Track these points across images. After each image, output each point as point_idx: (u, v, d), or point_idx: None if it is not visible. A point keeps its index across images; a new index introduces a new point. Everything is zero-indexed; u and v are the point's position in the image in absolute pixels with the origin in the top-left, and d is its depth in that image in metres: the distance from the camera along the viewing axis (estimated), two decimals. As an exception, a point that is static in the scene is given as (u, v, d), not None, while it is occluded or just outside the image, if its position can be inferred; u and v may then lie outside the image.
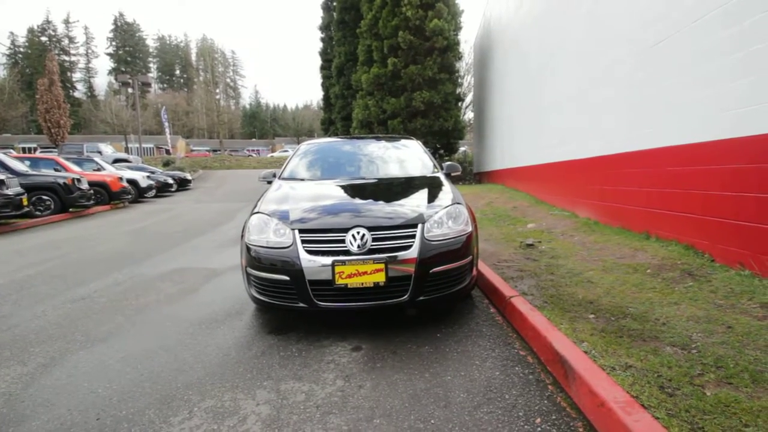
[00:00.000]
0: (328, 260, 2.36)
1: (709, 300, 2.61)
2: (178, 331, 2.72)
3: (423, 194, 2.92)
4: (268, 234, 2.59)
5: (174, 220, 9.11)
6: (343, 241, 2.41)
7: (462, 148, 23.27)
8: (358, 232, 2.42)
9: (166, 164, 22.57)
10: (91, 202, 10.25)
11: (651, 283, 3.01)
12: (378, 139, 4.59)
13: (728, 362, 1.82)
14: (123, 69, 58.59)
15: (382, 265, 2.34)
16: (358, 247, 2.38)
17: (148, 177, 14.24)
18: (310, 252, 2.40)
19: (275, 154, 46.48)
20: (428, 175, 3.59)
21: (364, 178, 3.53)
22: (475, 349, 2.28)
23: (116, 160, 19.14)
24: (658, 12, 4.08)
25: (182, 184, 18.09)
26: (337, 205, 2.76)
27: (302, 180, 3.54)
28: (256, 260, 2.53)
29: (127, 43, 64.00)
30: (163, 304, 3.32)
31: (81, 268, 4.64)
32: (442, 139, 14.83)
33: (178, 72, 67.38)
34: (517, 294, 2.75)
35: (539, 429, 1.56)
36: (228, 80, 63.82)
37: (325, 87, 20.84)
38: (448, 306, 2.94)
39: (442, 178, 3.46)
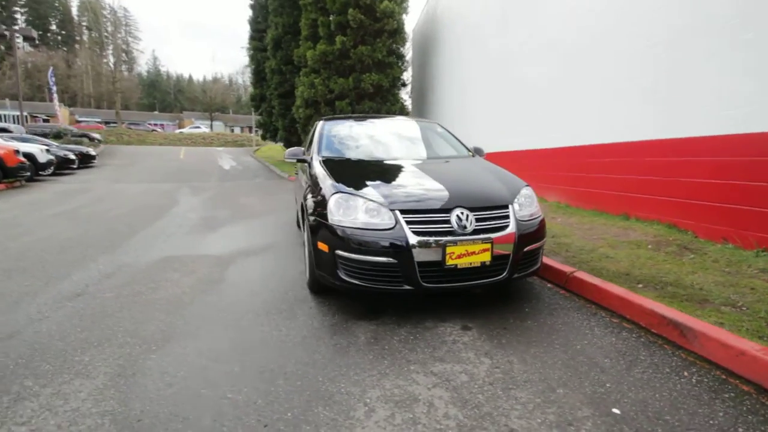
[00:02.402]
0: (437, 241, 2.33)
1: (717, 268, 3.17)
2: (247, 323, 2.46)
3: (490, 175, 3.01)
4: (357, 214, 2.45)
5: (103, 202, 7.86)
6: (447, 222, 2.40)
7: None
8: (462, 213, 2.42)
9: (58, 136, 18.97)
10: (-18, 179, 8.31)
11: (660, 257, 3.53)
12: (386, 117, 4.51)
13: None
14: (-25, 16, 46.85)
15: (489, 245, 2.39)
16: (463, 227, 2.39)
17: (48, 151, 11.89)
18: (417, 233, 2.34)
19: (185, 130, 41.98)
20: (470, 155, 3.68)
21: (418, 158, 3.51)
22: (571, 320, 2.47)
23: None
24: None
25: (85, 161, 15.49)
26: (426, 184, 2.70)
27: (350, 160, 3.36)
28: (349, 242, 2.38)
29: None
30: (197, 295, 2.94)
31: (39, 260, 3.82)
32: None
33: (54, 27, 56.17)
34: (576, 269, 3.03)
35: (693, 380, 1.80)
36: (120, 42, 55.24)
37: (256, 60, 19.29)
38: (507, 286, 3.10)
39: (483, 159, 3.58)
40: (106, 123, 44.13)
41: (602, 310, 2.61)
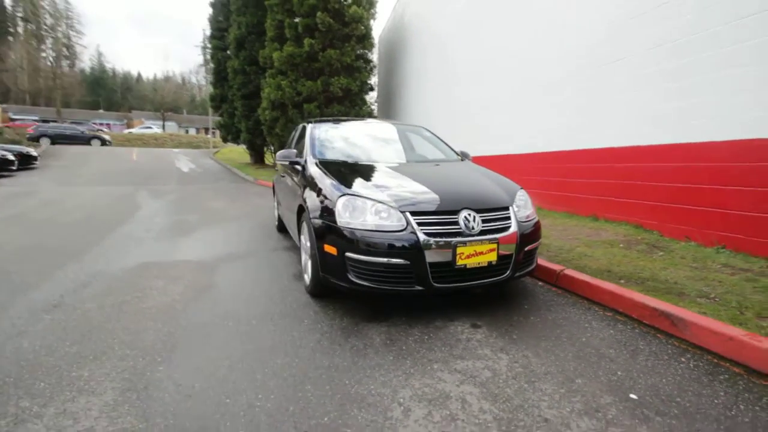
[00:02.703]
0: (448, 242, 2.38)
1: (685, 264, 3.47)
2: (253, 329, 2.38)
3: (486, 178, 3.12)
4: (366, 216, 2.46)
5: (54, 206, 7.27)
6: (456, 223, 2.46)
7: None
8: (470, 214, 2.50)
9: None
10: None
11: (633, 255, 3.81)
12: (373, 121, 4.55)
13: (746, 302, 2.53)
14: None
15: (495, 245, 2.48)
16: (471, 228, 2.46)
17: (-18, 151, 10.78)
18: (428, 234, 2.39)
19: (134, 131, 39.54)
20: (459, 159, 3.78)
21: (413, 160, 3.57)
22: (569, 315, 2.61)
23: None
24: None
25: (25, 162, 14.17)
26: (428, 187, 2.75)
27: (346, 162, 3.34)
28: (360, 244, 2.38)
29: None
30: (189, 303, 2.80)
31: None
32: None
33: (-19, 15, 50.97)
34: (565, 268, 3.20)
35: (691, 365, 1.97)
36: (60, 35, 51.19)
37: (217, 59, 18.57)
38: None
39: (471, 162, 3.70)
40: (45, 121, 40.68)
41: (594, 305, 2.78)
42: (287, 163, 3.67)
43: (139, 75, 68.54)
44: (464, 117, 8.97)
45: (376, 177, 2.95)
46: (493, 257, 2.48)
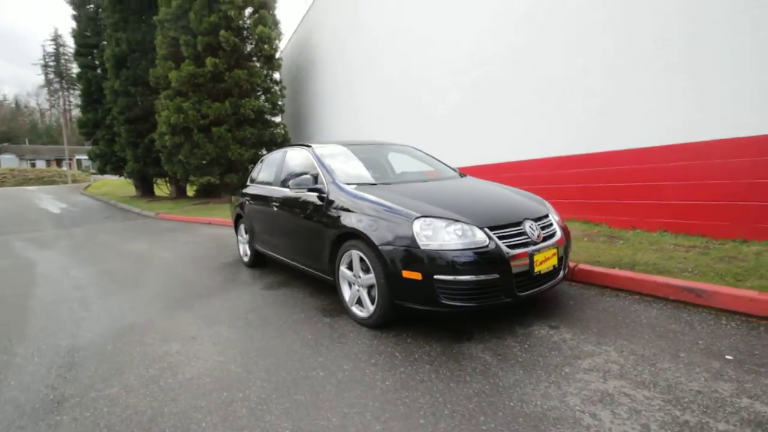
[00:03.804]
0: (526, 251, 2.52)
1: (647, 248, 4.21)
2: (374, 384, 2.16)
3: (511, 190, 3.37)
4: (445, 236, 2.46)
5: None
6: (524, 233, 2.62)
7: None
8: (532, 224, 2.69)
9: None
10: None
11: (602, 246, 4.47)
12: (360, 142, 4.51)
13: (719, 271, 3.21)
14: None
15: (556, 250, 2.71)
16: (537, 236, 2.65)
17: None
18: (509, 246, 2.49)
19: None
20: (460, 175, 3.99)
21: (434, 178, 3.67)
22: (612, 303, 2.96)
23: None
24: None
25: None
26: (481, 202, 2.86)
27: (375, 184, 3.25)
28: (450, 266, 2.37)
29: None
30: (250, 366, 2.39)
31: None
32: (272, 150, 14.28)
33: None
34: (577, 263, 3.61)
35: (733, 324, 2.44)
36: None
37: (87, 79, 15.79)
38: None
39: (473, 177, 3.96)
40: None
41: (619, 291, 3.20)
42: (285, 193, 3.45)
43: (-53, 98, 54.10)
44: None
45: (425, 196, 2.94)
46: (555, 261, 2.70)
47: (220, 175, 13.38)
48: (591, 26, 5.10)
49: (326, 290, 3.70)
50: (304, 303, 3.41)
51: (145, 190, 17.05)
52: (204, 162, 12.75)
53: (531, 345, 2.37)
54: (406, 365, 2.22)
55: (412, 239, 2.46)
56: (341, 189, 3.12)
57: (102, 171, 17.12)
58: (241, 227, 5.04)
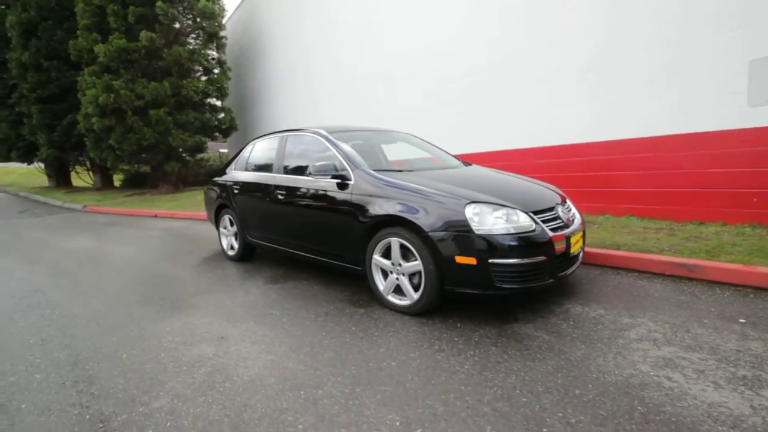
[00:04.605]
0: (564, 234, 2.68)
1: (621, 231, 4.68)
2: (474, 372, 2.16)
3: (523, 177, 3.52)
4: (491, 220, 2.52)
5: None
6: (558, 218, 2.78)
7: (223, 150, 21.38)
8: (561, 209, 2.86)
9: None
10: None
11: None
12: (368, 128, 4.41)
13: (691, 249, 3.70)
14: None
15: (582, 232, 2.92)
16: (567, 219, 2.83)
17: None
18: (552, 230, 2.63)
19: None
20: (465, 162, 4.09)
21: (452, 165, 3.73)
22: (621, 280, 3.26)
23: None
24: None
25: None
26: (512, 188, 2.97)
27: (402, 170, 3.21)
28: (506, 250, 2.44)
29: None
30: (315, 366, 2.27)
31: None
32: (219, 136, 13.33)
33: None
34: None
35: (726, 293, 2.83)
36: None
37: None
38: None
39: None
40: None
41: (618, 269, 3.54)
42: (295, 181, 3.39)
43: None
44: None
45: (459, 182, 2.98)
46: (581, 243, 2.91)
47: (159, 163, 12.20)
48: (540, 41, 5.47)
49: (340, 281, 3.60)
50: (324, 295, 3.28)
51: (61, 179, 14.96)
52: (139, 148, 11.51)
53: (576, 322, 2.54)
54: (473, 349, 2.26)
55: (465, 224, 2.49)
56: (371, 175, 3.04)
57: (6, 158, 14.59)
58: (225, 218, 4.67)
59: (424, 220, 2.61)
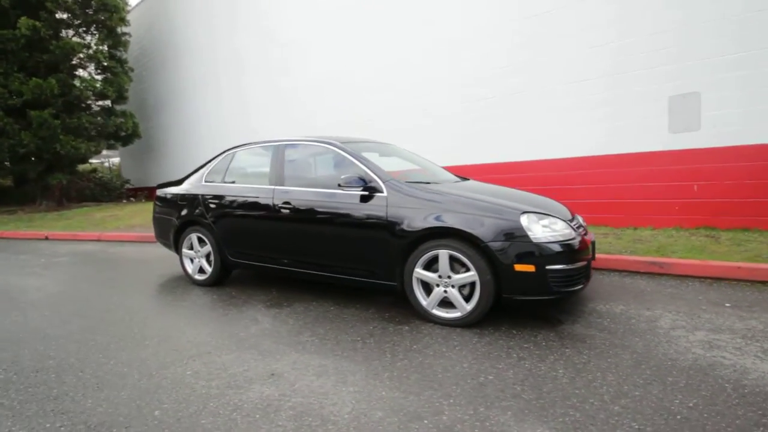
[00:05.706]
0: (590, 240, 2.96)
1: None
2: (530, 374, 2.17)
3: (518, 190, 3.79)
4: (540, 229, 2.67)
5: None
6: (581, 226, 3.06)
7: (114, 159, 18.38)
8: (575, 220, 3.15)
9: None
10: None
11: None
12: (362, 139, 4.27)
13: (643, 249, 4.39)
14: None
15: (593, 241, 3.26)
16: (584, 231, 3.13)
17: None
18: (581, 237, 2.87)
19: None
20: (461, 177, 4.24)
21: (452, 179, 3.78)
22: (611, 280, 3.69)
23: None
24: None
25: None
26: (536, 199, 3.17)
27: (430, 183, 3.20)
28: (561, 256, 2.60)
29: None
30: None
31: None
32: (117, 144, 11.53)
33: None
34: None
35: (696, 284, 3.41)
36: None
37: None
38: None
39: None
40: None
41: (602, 270, 4.00)
42: (303, 195, 3.21)
43: None
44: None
45: (493, 193, 3.09)
46: (592, 249, 3.24)
47: (39, 175, 10.02)
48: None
49: (352, 300, 3.38)
50: (351, 316, 3.04)
51: None
52: (14, 156, 9.31)
53: (611, 319, 2.80)
54: (550, 354, 2.32)
55: (522, 233, 2.58)
56: (407, 188, 2.96)
57: None
58: (192, 237, 4.03)
59: (481, 230, 2.63)
